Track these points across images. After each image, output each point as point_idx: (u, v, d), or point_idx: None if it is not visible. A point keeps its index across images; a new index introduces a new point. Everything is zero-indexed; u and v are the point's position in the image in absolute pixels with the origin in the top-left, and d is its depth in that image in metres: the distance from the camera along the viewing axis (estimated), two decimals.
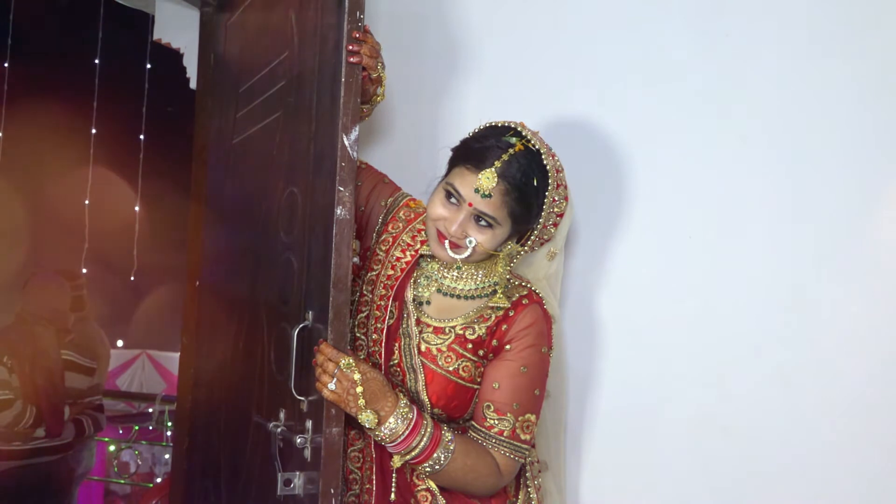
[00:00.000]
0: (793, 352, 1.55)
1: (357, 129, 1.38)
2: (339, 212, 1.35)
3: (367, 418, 1.31)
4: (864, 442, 1.48)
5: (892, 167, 1.50)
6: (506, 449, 1.41)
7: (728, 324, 1.62)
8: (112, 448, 4.52)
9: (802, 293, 1.55)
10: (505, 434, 1.41)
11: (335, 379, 1.30)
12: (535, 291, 1.50)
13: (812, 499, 1.51)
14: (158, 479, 4.55)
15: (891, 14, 1.51)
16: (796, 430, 1.53)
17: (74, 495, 3.50)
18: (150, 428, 4.66)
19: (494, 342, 1.45)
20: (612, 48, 1.80)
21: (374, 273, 1.57)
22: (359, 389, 1.30)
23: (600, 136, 1.77)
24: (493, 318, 1.46)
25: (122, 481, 4.60)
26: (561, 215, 1.49)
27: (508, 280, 1.51)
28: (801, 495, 1.52)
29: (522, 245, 1.50)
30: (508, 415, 1.41)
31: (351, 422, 1.40)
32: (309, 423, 1.38)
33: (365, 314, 1.54)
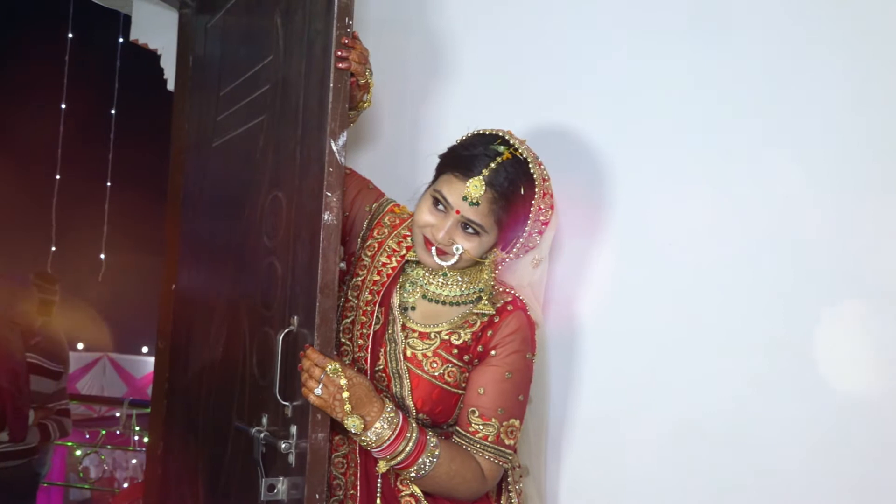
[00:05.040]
0: (774, 359, 1.57)
1: (345, 134, 1.38)
2: (326, 217, 1.35)
3: (353, 423, 1.31)
4: (844, 448, 1.50)
5: (881, 175, 1.51)
6: (490, 454, 1.42)
7: (709, 331, 1.63)
8: (78, 453, 4.43)
9: (784, 300, 1.57)
10: (489, 439, 1.42)
11: (321, 384, 1.30)
12: (518, 298, 1.52)
13: None
14: (125, 485, 4.48)
15: (886, 15, 1.51)
16: (778, 437, 1.55)
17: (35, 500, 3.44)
18: (118, 433, 4.58)
19: (480, 348, 1.46)
20: (595, 55, 1.81)
21: (360, 278, 1.58)
22: (345, 395, 1.30)
23: (583, 143, 1.79)
24: (479, 323, 1.47)
25: (87, 487, 4.51)
26: (546, 224, 1.51)
27: (493, 287, 1.52)
28: (782, 502, 1.54)
29: (507, 252, 1.52)
30: (493, 420, 1.42)
31: (335, 427, 1.40)
32: (294, 429, 1.37)
33: (350, 319, 1.54)
